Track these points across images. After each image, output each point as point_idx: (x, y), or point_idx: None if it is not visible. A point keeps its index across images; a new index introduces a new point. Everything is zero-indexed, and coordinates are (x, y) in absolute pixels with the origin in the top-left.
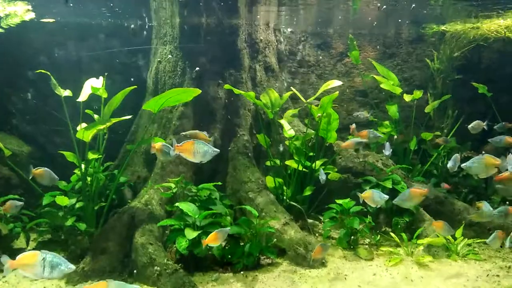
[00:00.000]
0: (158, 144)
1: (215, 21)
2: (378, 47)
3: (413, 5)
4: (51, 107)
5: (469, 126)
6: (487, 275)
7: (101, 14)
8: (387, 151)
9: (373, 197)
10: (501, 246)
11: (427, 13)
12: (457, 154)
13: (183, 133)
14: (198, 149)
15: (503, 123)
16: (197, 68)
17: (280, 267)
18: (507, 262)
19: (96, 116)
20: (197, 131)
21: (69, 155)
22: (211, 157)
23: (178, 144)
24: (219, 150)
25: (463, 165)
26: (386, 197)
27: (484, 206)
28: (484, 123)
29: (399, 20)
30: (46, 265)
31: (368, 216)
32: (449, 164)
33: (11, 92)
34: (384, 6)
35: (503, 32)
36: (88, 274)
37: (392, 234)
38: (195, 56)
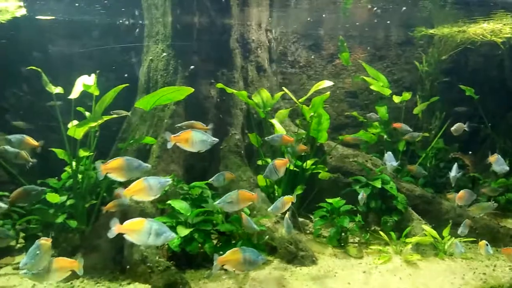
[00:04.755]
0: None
1: (208, 20)
2: (368, 49)
3: (404, 7)
4: (45, 103)
5: (452, 129)
6: (474, 273)
7: (94, 11)
8: (393, 162)
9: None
10: None
11: (416, 16)
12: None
13: (179, 124)
14: (196, 138)
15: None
16: (192, 66)
17: (271, 265)
18: (493, 260)
19: (87, 114)
20: (193, 121)
21: (60, 152)
22: (210, 146)
23: (174, 135)
24: (217, 139)
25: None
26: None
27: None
28: (465, 125)
29: (388, 22)
30: (152, 233)
31: (358, 215)
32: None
33: (3, 88)
34: (375, 8)
35: (488, 36)
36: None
37: (381, 232)
38: (188, 55)
